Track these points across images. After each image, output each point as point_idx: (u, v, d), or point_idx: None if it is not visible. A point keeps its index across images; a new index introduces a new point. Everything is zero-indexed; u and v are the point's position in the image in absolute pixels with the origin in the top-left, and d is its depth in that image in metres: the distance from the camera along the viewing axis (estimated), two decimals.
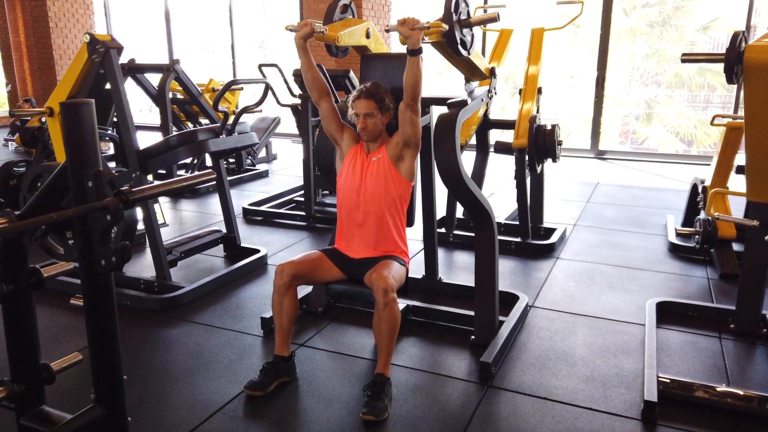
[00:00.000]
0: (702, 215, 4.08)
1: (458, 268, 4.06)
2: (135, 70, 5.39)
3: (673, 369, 2.71)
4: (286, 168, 7.58)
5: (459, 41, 2.66)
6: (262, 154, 7.84)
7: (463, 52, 2.73)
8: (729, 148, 3.98)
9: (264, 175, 7.11)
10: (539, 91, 4.46)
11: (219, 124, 3.66)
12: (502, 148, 4.71)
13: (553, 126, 4.11)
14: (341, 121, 2.74)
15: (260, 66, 5.32)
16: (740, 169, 4.12)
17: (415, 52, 2.41)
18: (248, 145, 3.83)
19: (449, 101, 2.84)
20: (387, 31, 2.46)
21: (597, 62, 8.03)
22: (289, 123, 9.17)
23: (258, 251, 4.12)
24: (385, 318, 2.36)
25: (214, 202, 5.84)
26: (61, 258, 2.13)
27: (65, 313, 3.25)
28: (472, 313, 3.05)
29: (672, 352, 2.87)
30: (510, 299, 3.30)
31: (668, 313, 3.24)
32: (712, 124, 3.89)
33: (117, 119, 3.61)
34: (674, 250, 4.34)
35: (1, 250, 1.85)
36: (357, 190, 2.64)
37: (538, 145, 4.09)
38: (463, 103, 2.81)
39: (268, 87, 3.80)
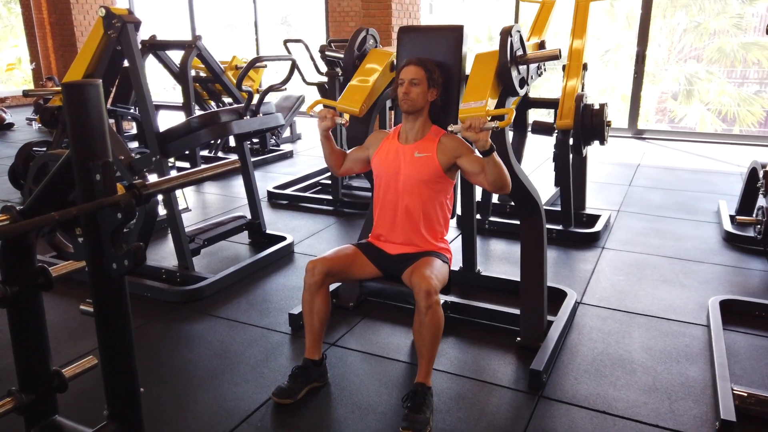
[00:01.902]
0: (764, 202, 3.74)
1: (496, 259, 3.80)
2: (156, 47, 5.19)
3: (745, 379, 2.44)
4: (311, 148, 7.34)
5: (518, 82, 2.39)
6: (287, 133, 7.61)
7: (521, 92, 2.47)
8: None
9: (289, 155, 6.89)
10: (584, 67, 4.12)
11: (243, 105, 3.42)
12: (541, 128, 4.41)
13: (602, 105, 3.80)
14: (361, 147, 2.57)
15: (285, 42, 5.05)
16: None
17: (488, 152, 2.14)
18: (274, 126, 3.59)
19: None
20: (451, 132, 2.23)
21: (638, 37, 7.59)
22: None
23: (284, 239, 3.90)
24: (428, 323, 2.12)
25: (239, 184, 5.64)
26: (71, 257, 1.93)
27: (79, 301, 3.07)
28: (516, 311, 2.81)
29: (741, 359, 2.60)
30: (556, 295, 3.04)
31: (732, 313, 2.95)
32: None
33: (138, 101, 3.40)
34: (730, 240, 4.01)
35: (3, 249, 1.65)
36: (395, 182, 2.39)
37: (585, 126, 3.78)
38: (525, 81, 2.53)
39: (294, 64, 3.54)
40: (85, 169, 1.55)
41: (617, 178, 5.71)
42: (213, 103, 6.74)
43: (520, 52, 2.43)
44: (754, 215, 3.79)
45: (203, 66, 5.97)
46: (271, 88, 3.46)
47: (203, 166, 1.86)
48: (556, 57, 2.41)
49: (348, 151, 2.59)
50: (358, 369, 2.53)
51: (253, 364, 2.56)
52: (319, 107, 2.47)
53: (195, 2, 10.59)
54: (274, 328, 2.88)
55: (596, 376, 2.47)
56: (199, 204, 5.02)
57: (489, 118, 2.15)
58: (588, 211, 4.50)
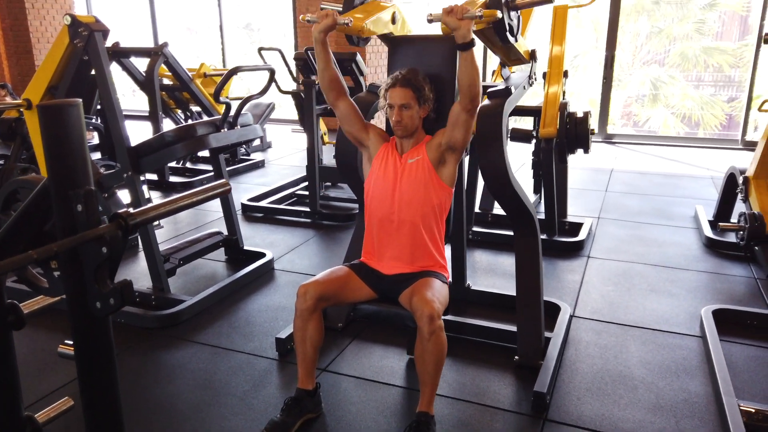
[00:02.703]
0: (745, 208, 3.76)
1: (482, 271, 3.72)
2: (120, 54, 4.96)
3: (746, 393, 2.40)
4: (282, 157, 7.17)
5: (507, 27, 2.28)
6: (257, 142, 7.42)
7: (512, 40, 2.36)
8: None
9: (260, 165, 6.70)
10: (565, 74, 4.09)
11: (220, 117, 3.25)
12: (520, 136, 4.38)
13: (585, 113, 3.77)
14: (364, 120, 2.37)
15: (260, 50, 4.89)
16: None
17: (467, 45, 2.02)
18: (252, 139, 3.44)
19: (490, 90, 2.48)
20: (430, 21, 2.06)
21: (606, 41, 7.67)
22: (282, 109, 8.76)
23: (263, 255, 3.75)
24: (431, 349, 2.02)
25: None
26: (45, 293, 1.76)
27: (48, 331, 2.87)
28: (511, 327, 2.73)
29: (740, 371, 2.57)
30: (550, 309, 2.97)
31: (725, 322, 2.93)
32: (760, 109, 3.56)
33: (105, 112, 3.20)
34: (711, 246, 4.03)
35: None
36: (390, 196, 2.27)
37: (569, 135, 3.74)
38: (507, 92, 2.45)
39: (273, 73, 3.39)
40: (65, 199, 1.40)
41: (593, 184, 5.72)
42: (180, 112, 6.53)
43: None
44: (736, 221, 3.81)
45: (169, 74, 5.78)
46: (249, 99, 3.31)
47: (192, 190, 1.72)
48: (549, 0, 2.31)
49: (352, 101, 2.36)
50: (353, 396, 2.40)
51: (241, 394, 2.41)
52: (319, 12, 2.18)
53: (155, 7, 10.29)
54: (261, 353, 2.73)
55: (599, 394, 2.40)
56: (170, 219, 4.81)
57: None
58: (569, 218, 4.47)
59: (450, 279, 2.40)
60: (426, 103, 2.25)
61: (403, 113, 2.21)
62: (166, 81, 6.11)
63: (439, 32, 2.32)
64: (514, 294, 3.13)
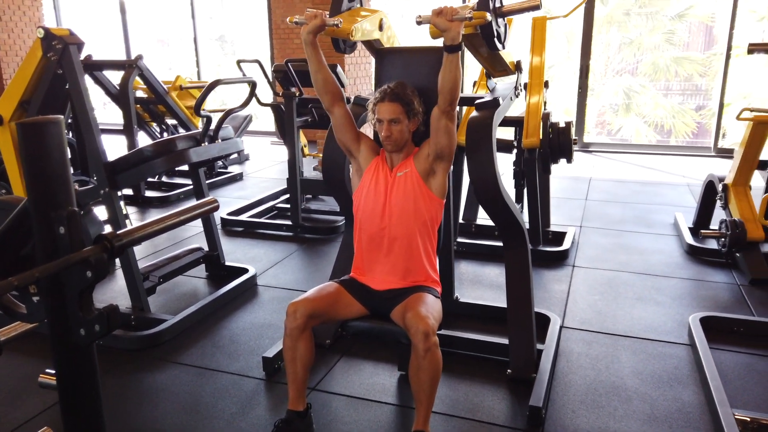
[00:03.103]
0: (726, 216, 3.81)
1: (468, 282, 3.69)
2: (93, 67, 4.87)
3: (738, 400, 2.40)
4: (260, 170, 7.08)
5: (495, 34, 2.27)
6: (234, 155, 7.31)
7: (499, 47, 2.34)
8: (754, 145, 3.71)
9: (238, 178, 6.60)
10: (546, 84, 4.11)
11: (200, 131, 3.18)
12: (501, 146, 4.38)
13: (568, 123, 3.78)
14: (357, 130, 2.33)
15: (239, 62, 4.82)
16: (762, 165, 3.89)
17: (455, 48, 2.00)
18: (233, 152, 3.37)
19: (478, 101, 2.45)
20: (419, 23, 2.02)
21: (581, 51, 7.77)
22: (258, 121, 8.67)
23: (246, 271, 3.66)
24: (426, 366, 1.97)
25: None
26: (23, 318, 1.67)
27: (25, 356, 2.75)
28: (502, 340, 2.70)
29: (730, 379, 2.57)
30: (539, 320, 2.93)
31: (712, 329, 2.94)
32: (738, 118, 3.61)
33: (79, 126, 3.10)
34: (693, 253, 4.07)
35: None
36: (381, 211, 2.22)
37: (553, 145, 3.75)
38: (495, 104, 2.43)
39: (254, 86, 3.33)
40: (47, 221, 1.33)
41: (573, 193, 5.76)
42: (155, 125, 6.41)
43: (499, 4, 2.31)
44: (716, 228, 3.85)
45: (144, 86, 5.67)
46: (231, 112, 3.24)
47: (180, 209, 1.65)
48: (536, 6, 2.31)
49: (348, 108, 2.30)
50: (344, 416, 2.34)
51: (228, 417, 2.33)
52: (307, 13, 2.12)
53: (127, 19, 10.14)
54: (247, 373, 2.64)
55: (593, 407, 2.37)
56: None
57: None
58: (552, 228, 4.47)
59: (441, 292, 2.35)
60: (415, 117, 2.22)
61: (393, 128, 2.17)
62: (140, 93, 6.00)
63: (427, 42, 2.30)
64: (503, 306, 3.13)
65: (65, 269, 1.28)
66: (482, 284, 3.63)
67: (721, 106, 7.32)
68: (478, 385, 2.54)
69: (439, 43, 2.13)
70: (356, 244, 2.34)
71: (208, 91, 3.06)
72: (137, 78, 5.22)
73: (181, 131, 6.25)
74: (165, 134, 6.33)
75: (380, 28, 2.46)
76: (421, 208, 2.22)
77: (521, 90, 2.87)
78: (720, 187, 3.97)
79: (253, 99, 3.60)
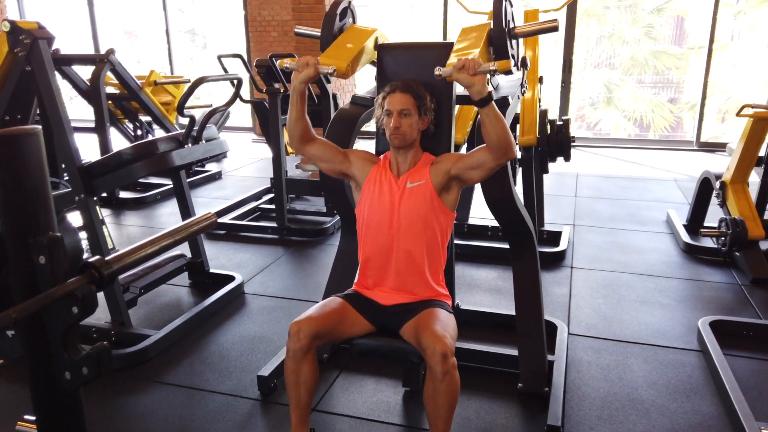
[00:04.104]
0: (726, 214, 3.74)
1: (465, 287, 3.55)
2: (62, 62, 4.56)
3: (761, 412, 2.31)
4: (240, 168, 6.84)
5: (512, 58, 2.13)
6: None
7: (517, 72, 2.21)
8: (754, 141, 3.64)
9: (217, 177, 6.36)
10: (540, 80, 3.98)
11: (182, 131, 2.96)
12: None
13: (566, 121, 3.66)
14: (340, 150, 2.16)
15: (220, 57, 4.59)
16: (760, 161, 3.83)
17: (486, 100, 1.82)
18: (219, 154, 3.16)
19: None
20: (438, 78, 1.84)
21: (564, 46, 7.68)
22: (234, 117, 8.39)
23: (232, 278, 3.47)
24: (444, 390, 1.82)
25: (165, 212, 5.10)
26: None
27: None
28: (509, 351, 2.57)
29: (746, 388, 2.47)
30: (546, 328, 2.80)
31: (721, 333, 2.85)
32: (738, 114, 3.54)
33: (50, 126, 2.86)
34: (690, 252, 4.00)
35: None
36: (388, 223, 2.06)
37: (551, 143, 3.63)
38: (505, 102, 2.28)
39: (240, 83, 3.13)
40: (25, 249, 1.14)
41: (562, 190, 5.67)
42: (128, 122, 6.11)
43: (512, 24, 2.17)
44: (714, 226, 3.78)
45: (115, 82, 5.38)
46: (215, 111, 3.04)
47: (176, 227, 1.47)
48: (554, 28, 2.16)
49: (323, 139, 2.17)
50: None
51: None
52: (299, 58, 1.99)
53: (95, 9, 9.74)
54: (241, 393, 2.46)
55: (611, 422, 2.26)
56: (123, 240, 4.44)
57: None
58: (546, 227, 4.36)
59: (452, 306, 2.20)
60: (426, 114, 2.06)
61: (403, 120, 2.01)
62: (111, 89, 5.71)
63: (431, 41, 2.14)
64: (506, 312, 3.02)
65: (48, 306, 1.09)
66: (480, 288, 3.50)
67: (704, 100, 7.32)
68: (489, 401, 2.40)
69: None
70: (361, 256, 2.17)
71: (192, 89, 2.84)
72: (109, 73, 4.95)
73: (156, 128, 5.98)
74: (139, 132, 6.04)
75: (376, 47, 2.29)
76: (432, 221, 2.06)
77: (526, 87, 2.72)
78: (717, 185, 3.89)
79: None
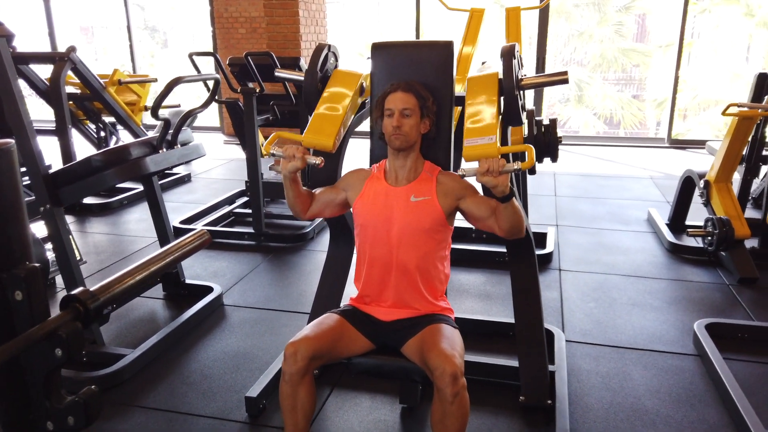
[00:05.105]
0: (712, 214, 3.72)
1: (454, 293, 3.43)
2: (19, 60, 4.30)
3: (765, 417, 2.26)
4: (209, 169, 6.61)
5: (520, 109, 2.06)
6: None
7: (524, 120, 2.14)
8: (739, 140, 3.62)
9: (186, 179, 6.12)
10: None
11: (156, 136, 2.77)
12: None
13: (553, 121, 3.58)
14: (332, 189, 2.08)
15: (191, 55, 4.37)
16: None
17: (508, 197, 1.76)
18: (195, 159, 2.97)
19: None
20: (463, 177, 1.76)
21: (537, 44, 7.66)
22: (201, 116, 8.13)
23: (209, 289, 3.28)
24: (455, 413, 1.69)
25: (132, 219, 4.86)
26: None
27: None
28: (509, 362, 2.47)
29: (749, 393, 2.42)
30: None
31: (715, 336, 2.81)
32: (724, 113, 3.51)
33: (12, 130, 2.64)
34: (675, 251, 3.98)
35: None
36: (387, 235, 1.93)
37: (539, 143, 3.54)
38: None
39: (217, 84, 2.95)
40: None
41: (542, 189, 5.62)
42: (90, 123, 5.83)
43: (521, 75, 2.08)
44: (703, 226, 3.76)
45: (77, 81, 5.11)
46: (191, 113, 2.85)
47: (167, 248, 1.31)
48: (564, 81, 2.08)
49: (316, 191, 2.09)
50: None
51: None
52: (286, 147, 1.93)
53: (51, 5, 9.31)
54: (227, 416, 2.30)
55: None
56: (89, 249, 4.19)
57: (512, 161, 1.77)
58: (531, 228, 4.28)
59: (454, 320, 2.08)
60: (428, 116, 1.94)
61: (405, 120, 1.89)
62: (72, 89, 5.43)
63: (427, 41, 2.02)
64: (500, 320, 2.92)
65: (27, 350, 0.94)
66: (469, 294, 3.40)
67: (675, 97, 7.39)
68: (491, 416, 2.30)
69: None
70: (358, 269, 2.04)
71: (168, 90, 2.65)
72: (69, 72, 4.68)
73: (120, 129, 5.71)
74: (102, 133, 5.76)
75: (362, 92, 2.18)
76: (436, 235, 1.95)
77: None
78: (701, 184, 3.88)
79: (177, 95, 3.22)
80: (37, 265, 0.98)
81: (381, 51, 2.11)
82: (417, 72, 2.04)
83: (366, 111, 2.32)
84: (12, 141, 0.91)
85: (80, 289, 1.04)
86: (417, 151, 1.98)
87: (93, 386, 1.05)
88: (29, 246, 0.98)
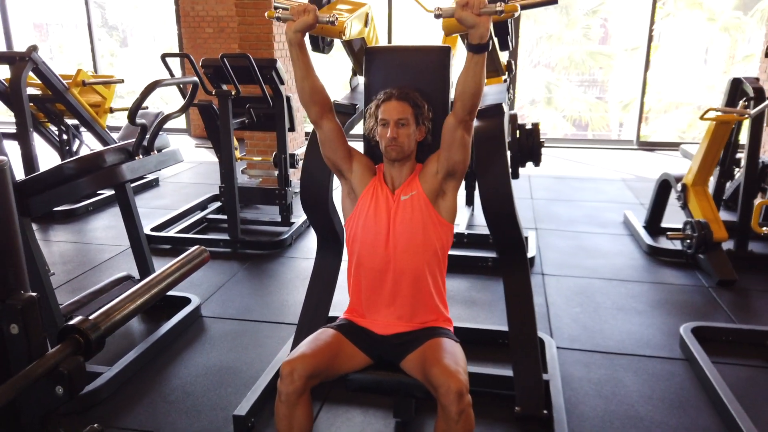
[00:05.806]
0: (690, 217, 3.76)
1: None
2: None
3: (759, 421, 2.27)
4: (178, 173, 6.42)
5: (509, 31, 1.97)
6: None
7: (510, 45, 2.06)
8: (716, 144, 3.67)
9: (154, 184, 5.92)
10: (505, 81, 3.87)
11: (132, 141, 2.64)
12: None
13: (535, 125, 3.58)
14: (349, 146, 1.95)
15: (164, 56, 4.21)
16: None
17: (483, 47, 1.66)
18: (172, 164, 2.85)
19: (481, 108, 2.13)
20: (438, 17, 1.66)
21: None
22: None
23: (187, 301, 3.16)
24: (460, 431, 1.64)
25: (100, 226, 4.67)
26: None
27: None
28: (502, 371, 2.43)
29: (738, 396, 2.42)
30: None
31: (702, 340, 2.82)
32: (702, 118, 3.56)
33: None
34: (652, 254, 4.02)
35: None
36: (384, 242, 1.86)
37: (522, 147, 3.53)
38: (499, 110, 2.13)
39: (196, 87, 2.83)
40: None
41: (518, 192, 5.61)
42: (52, 126, 5.59)
43: None
44: (682, 230, 3.80)
45: (38, 82, 4.89)
46: (168, 117, 2.73)
47: (164, 268, 1.22)
48: (554, 0, 1.98)
49: (337, 120, 1.91)
50: None
51: None
52: (292, 5, 1.72)
53: (6, 3, 8.94)
54: None
55: None
56: (55, 259, 4.00)
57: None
58: None
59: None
60: (424, 124, 1.89)
61: (400, 130, 1.83)
62: (33, 90, 5.19)
63: (416, 40, 1.96)
64: (490, 328, 2.89)
65: (25, 390, 0.84)
66: (455, 300, 3.35)
67: (643, 99, 7.52)
68: (486, 428, 2.25)
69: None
70: (352, 279, 1.97)
71: (146, 94, 2.53)
72: (30, 73, 4.48)
73: (83, 132, 5.48)
74: (65, 136, 5.53)
75: (366, 23, 2.09)
76: (431, 236, 1.88)
77: (512, 94, 2.59)
78: (679, 187, 3.92)
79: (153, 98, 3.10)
80: (34, 294, 0.88)
81: (375, 55, 2.04)
82: (412, 77, 1.98)
83: (358, 115, 2.25)
84: (5, 159, 0.82)
85: (79, 318, 0.94)
86: (413, 159, 1.92)
87: (96, 425, 0.96)
88: (24, 273, 0.89)
